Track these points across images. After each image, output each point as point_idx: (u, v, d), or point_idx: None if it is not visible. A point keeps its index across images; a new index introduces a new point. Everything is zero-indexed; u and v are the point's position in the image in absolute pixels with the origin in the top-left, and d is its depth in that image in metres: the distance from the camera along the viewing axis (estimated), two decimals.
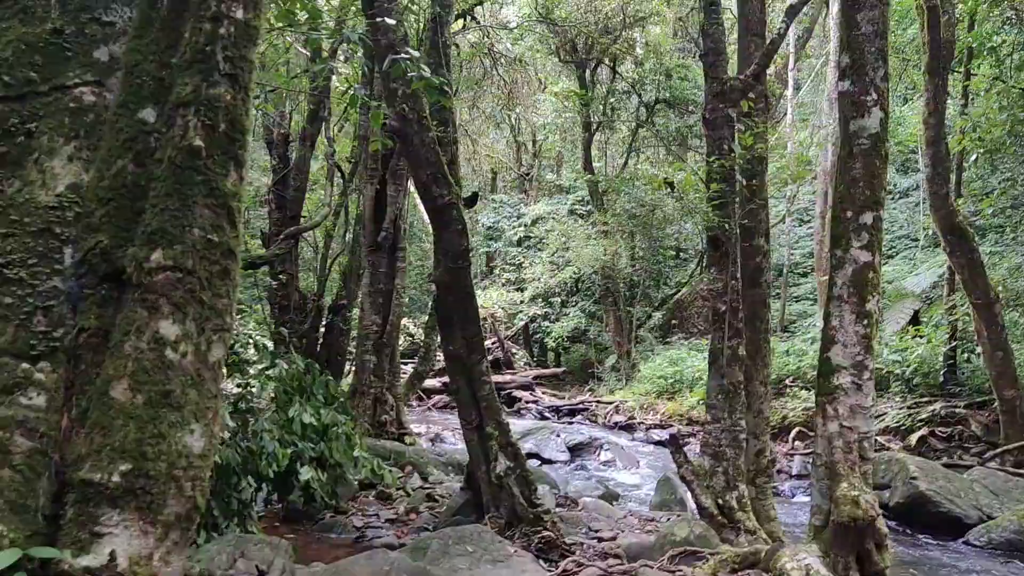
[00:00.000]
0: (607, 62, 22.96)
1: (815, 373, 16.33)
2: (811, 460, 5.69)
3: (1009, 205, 18.42)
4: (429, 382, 20.67)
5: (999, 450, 12.04)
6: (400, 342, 14.64)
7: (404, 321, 18.59)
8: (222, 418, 2.11)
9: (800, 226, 27.28)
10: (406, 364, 18.38)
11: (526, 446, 14.42)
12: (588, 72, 23.40)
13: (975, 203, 16.34)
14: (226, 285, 2.12)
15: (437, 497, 8.73)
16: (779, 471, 13.24)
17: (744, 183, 6.37)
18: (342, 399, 8.68)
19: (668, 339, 24.75)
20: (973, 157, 13.73)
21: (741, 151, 6.10)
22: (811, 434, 15.31)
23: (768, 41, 6.51)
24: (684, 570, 5.85)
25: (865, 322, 5.31)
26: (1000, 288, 12.65)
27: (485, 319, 23.54)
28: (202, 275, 2.07)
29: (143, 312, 2.04)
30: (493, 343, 22.62)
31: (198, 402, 2.04)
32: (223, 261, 2.12)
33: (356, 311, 13.04)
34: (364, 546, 7.09)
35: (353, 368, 12.63)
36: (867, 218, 5.29)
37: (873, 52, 5.20)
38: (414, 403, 18.42)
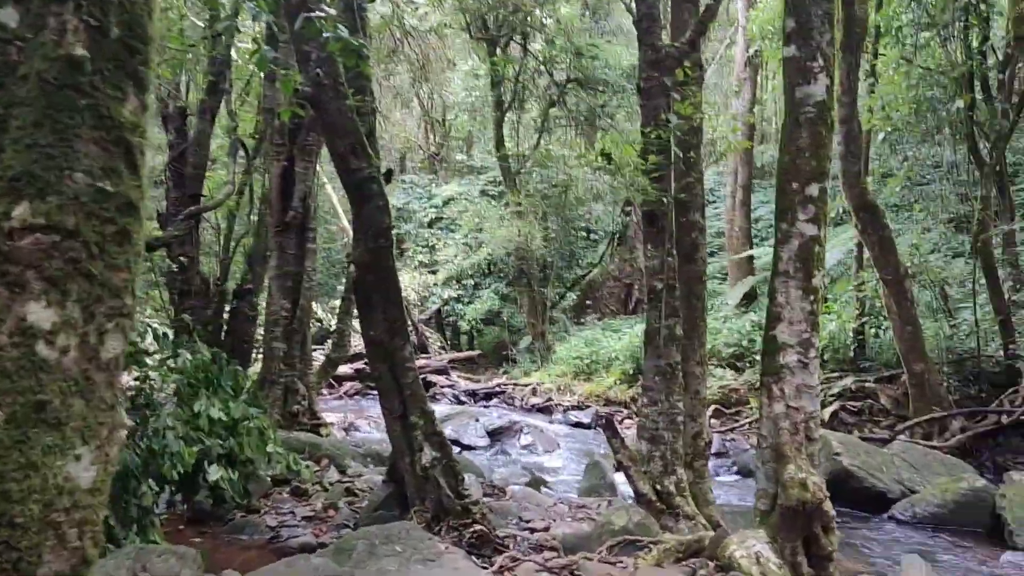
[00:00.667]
0: (517, 40, 22.56)
1: (729, 351, 16.53)
2: (756, 442, 5.50)
3: (913, 184, 19.05)
4: (341, 368, 20.01)
5: (909, 423, 12.33)
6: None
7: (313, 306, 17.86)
8: (119, 433, 1.54)
9: (707, 206, 27.63)
10: (316, 351, 17.68)
11: (446, 432, 13.97)
12: (499, 50, 22.96)
13: (879, 182, 16.74)
14: (125, 253, 1.53)
15: (357, 491, 8.25)
16: None
17: (680, 155, 6.10)
18: (252, 390, 8.09)
19: (581, 320, 24.73)
20: (880, 136, 14.00)
21: (678, 121, 5.81)
22: (727, 412, 15.51)
23: (704, 7, 6.25)
24: (625, 561, 5.58)
25: (812, 298, 5.12)
26: (909, 264, 12.93)
27: None
28: (89, 239, 1.50)
29: (2, 292, 1.45)
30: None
31: (86, 417, 1.46)
32: (120, 219, 1.52)
33: (263, 296, 12.32)
34: (279, 547, 6.57)
35: (261, 356, 11.93)
36: (813, 190, 5.09)
37: (819, 15, 4.98)
38: (325, 391, 17.75)
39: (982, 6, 12.52)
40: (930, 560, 6.49)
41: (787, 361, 5.16)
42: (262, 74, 10.65)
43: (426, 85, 25.01)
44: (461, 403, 19.15)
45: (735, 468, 11.20)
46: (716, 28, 29.71)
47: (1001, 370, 12.95)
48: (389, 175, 11.04)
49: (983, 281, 13.41)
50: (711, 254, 25.72)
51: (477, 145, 29.34)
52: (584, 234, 27.86)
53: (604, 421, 6.50)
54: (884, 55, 13.74)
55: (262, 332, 12.07)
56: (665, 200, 6.07)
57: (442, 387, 19.97)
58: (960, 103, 12.29)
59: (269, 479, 8.09)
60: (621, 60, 23.14)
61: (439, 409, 16.68)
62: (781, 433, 5.17)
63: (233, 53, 11.39)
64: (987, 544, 7.60)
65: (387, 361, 7.17)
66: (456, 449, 13.50)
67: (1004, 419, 11.85)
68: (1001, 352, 13.10)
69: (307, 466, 7.83)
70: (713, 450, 13.36)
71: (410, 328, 22.01)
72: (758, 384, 5.79)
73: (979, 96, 13.11)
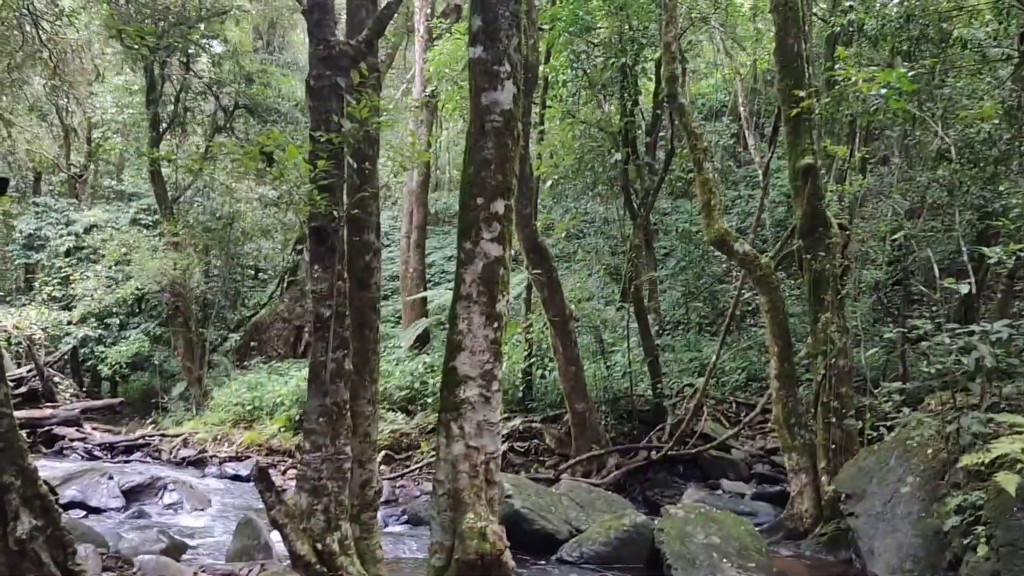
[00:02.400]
0: (180, 57, 20.62)
1: (402, 394, 16.00)
2: (432, 488, 4.86)
3: (572, 237, 20.27)
4: None
5: (572, 461, 12.66)
6: None
7: None
8: None
9: (382, 248, 27.33)
10: None
11: (67, 494, 11.77)
12: (157, 66, 20.79)
13: (543, 231, 17.50)
14: None
15: None
16: None
17: (354, 165, 5.39)
18: None
19: (246, 363, 22.89)
20: (548, 183, 14.56)
21: (352, 126, 5.11)
22: (398, 457, 14.91)
23: (383, 5, 5.65)
24: None
25: (495, 325, 4.64)
26: (573, 306, 13.42)
27: (18, 342, 19.46)
28: None
29: None
30: (29, 371, 18.72)
31: None
32: None
33: None
34: None
35: None
36: (498, 206, 4.65)
37: (507, 17, 4.61)
38: None
39: (636, 68, 13.58)
40: None
41: (468, 395, 4.61)
42: None
43: (65, 95, 21.88)
44: (95, 458, 16.53)
45: (405, 517, 10.57)
46: (393, 74, 29.94)
47: (650, 408, 13.88)
48: (4, 185, 9.13)
49: (634, 324, 14.38)
50: (385, 297, 25.37)
51: (129, 168, 26.36)
52: (252, 272, 26.07)
53: (257, 472, 5.48)
54: (551, 106, 14.37)
55: None
56: (336, 214, 5.30)
57: (72, 440, 17.11)
58: (618, 155, 13.12)
59: None
60: (296, 92, 22.18)
61: (64, 466, 14.20)
62: (460, 477, 4.59)
63: None
64: None
65: None
66: (80, 513, 11.47)
67: (653, 455, 12.61)
68: (650, 391, 14.06)
69: None
70: (383, 498, 12.69)
71: (32, 372, 18.83)
72: (433, 425, 5.18)
73: (631, 153, 14.19)
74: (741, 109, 21.92)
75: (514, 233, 12.43)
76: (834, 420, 8.88)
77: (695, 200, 22.36)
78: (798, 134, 9.48)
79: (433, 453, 5.63)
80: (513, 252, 14.31)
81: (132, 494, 12.11)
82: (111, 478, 12.41)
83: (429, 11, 18.21)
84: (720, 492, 11.46)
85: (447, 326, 4.76)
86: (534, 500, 8.70)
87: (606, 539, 8.01)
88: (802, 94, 8.86)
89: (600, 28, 13.77)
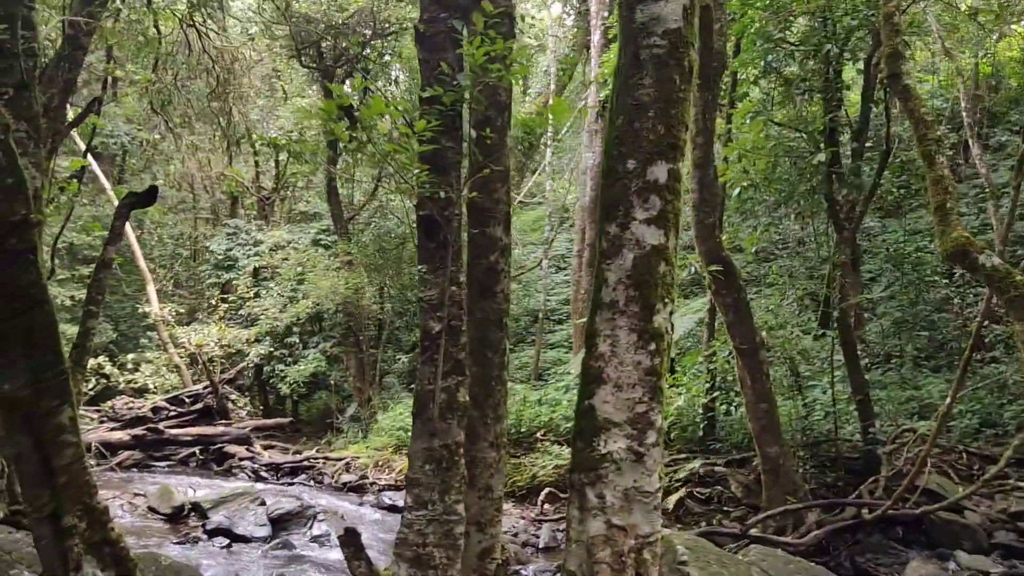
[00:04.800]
0: (360, 74, 20.57)
1: (568, 425, 14.58)
2: None
3: (760, 260, 18.17)
4: (116, 434, 16.74)
5: (761, 515, 10.70)
6: None
7: None
8: None
9: (557, 272, 26.22)
10: None
11: (215, 519, 11.31)
12: (338, 84, 20.88)
13: (731, 248, 15.61)
14: None
15: None
16: (524, 544, 11.14)
17: (474, 135, 4.10)
18: None
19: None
20: (736, 191, 12.74)
21: (469, 80, 3.82)
22: (562, 496, 13.45)
23: None
24: None
25: (652, 347, 3.15)
26: (765, 335, 11.52)
27: (196, 358, 19.89)
28: None
29: None
30: (205, 388, 19.04)
31: None
32: None
33: None
34: None
35: None
36: (659, 172, 3.17)
37: None
38: (92, 461, 14.54)
39: (845, 56, 11.60)
40: None
41: (612, 449, 3.14)
42: None
43: (249, 115, 22.44)
44: (261, 479, 16.34)
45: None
46: (574, 89, 28.92)
47: (860, 456, 11.64)
48: (154, 193, 8.75)
49: (838, 357, 12.24)
50: (558, 321, 24.16)
51: (312, 190, 26.92)
52: None
53: (344, 534, 4.26)
54: (739, 105, 12.57)
55: None
56: (451, 199, 4.02)
57: (241, 459, 17.05)
58: (821, 156, 11.14)
59: None
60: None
61: (225, 487, 13.94)
62: (599, 569, 3.11)
63: None
64: None
65: (31, 433, 4.69)
66: (224, 541, 10.91)
67: (865, 513, 10.40)
68: (859, 435, 11.82)
69: None
70: (542, 544, 11.32)
71: (208, 389, 19.12)
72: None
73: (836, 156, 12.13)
74: (965, 115, 18.95)
75: (693, 237, 10.82)
76: None
77: (908, 217, 19.70)
78: None
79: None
80: (693, 272, 12.64)
81: (280, 523, 11.47)
82: (262, 504, 11.87)
83: (607, 13, 16.93)
84: (955, 567, 9.12)
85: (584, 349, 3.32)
86: (716, 571, 6.98)
87: None
88: None
89: (798, 16, 11.91)
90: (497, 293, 4.57)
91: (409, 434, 14.47)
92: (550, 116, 3.62)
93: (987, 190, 16.61)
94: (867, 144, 14.02)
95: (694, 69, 3.18)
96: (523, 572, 8.94)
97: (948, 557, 9.58)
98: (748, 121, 12.00)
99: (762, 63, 12.04)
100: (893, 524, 10.56)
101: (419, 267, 4.18)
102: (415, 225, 4.31)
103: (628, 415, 3.12)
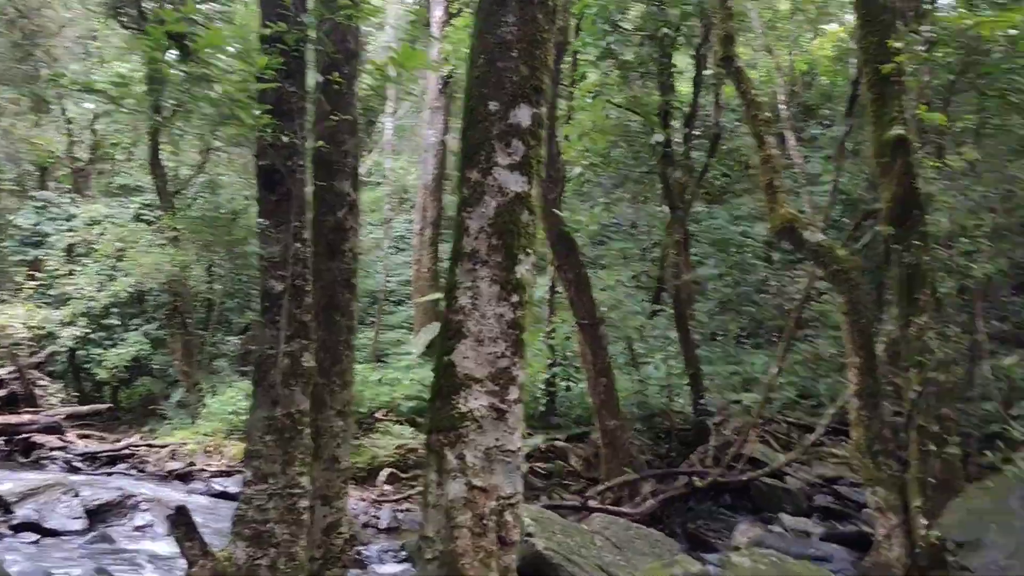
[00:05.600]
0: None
1: (410, 404, 14.30)
2: (417, 548, 3.23)
3: (599, 240, 18.61)
4: None
5: (600, 487, 10.95)
6: None
7: None
8: None
9: (397, 253, 25.72)
10: None
11: (21, 513, 10.24)
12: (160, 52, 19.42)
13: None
14: None
15: None
16: (365, 525, 10.84)
17: (320, 79, 3.80)
18: None
19: (248, 368, 21.39)
20: (577, 170, 12.92)
21: (314, 14, 3.52)
22: (404, 476, 13.21)
23: None
24: None
25: (515, 298, 3.02)
26: (604, 310, 11.78)
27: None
28: None
29: None
30: (10, 373, 17.31)
31: None
32: None
33: None
34: None
35: None
36: (522, 116, 3.03)
37: None
38: None
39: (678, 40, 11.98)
40: None
41: (472, 407, 2.99)
42: None
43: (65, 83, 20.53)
44: (75, 469, 15.01)
45: (404, 553, 8.85)
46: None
47: (691, 427, 12.17)
48: None
49: (672, 333, 12.71)
50: (398, 302, 23.77)
51: (134, 162, 25.01)
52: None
53: (175, 514, 3.88)
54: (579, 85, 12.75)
55: None
56: (296, 144, 3.71)
57: (52, 449, 15.61)
58: (658, 136, 11.47)
59: None
60: None
61: (33, 479, 12.69)
62: (458, 534, 2.95)
63: None
64: None
65: None
66: (33, 537, 9.92)
67: (697, 481, 10.87)
68: (690, 408, 12.35)
69: None
70: (384, 524, 11.07)
71: (13, 375, 17.42)
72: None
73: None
74: (782, 109, 20.22)
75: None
76: (933, 448, 7.14)
77: (732, 203, 20.85)
78: (884, 100, 7.80)
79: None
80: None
81: (97, 514, 10.54)
82: (76, 495, 10.86)
83: None
84: (779, 530, 9.69)
85: (443, 303, 3.13)
86: (560, 540, 7.02)
87: None
88: (898, 45, 7.18)
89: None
90: (345, 252, 4.29)
91: (243, 419, 13.78)
92: (401, 66, 3.41)
93: (802, 179, 17.74)
94: (696, 132, 14.65)
95: (556, 11, 3.06)
96: (366, 552, 8.64)
97: (772, 520, 10.19)
98: (591, 100, 12.16)
99: (602, 44, 12.22)
100: (722, 491, 11.14)
101: (259, 221, 3.84)
102: (256, 174, 3.95)
103: (490, 370, 2.97)
